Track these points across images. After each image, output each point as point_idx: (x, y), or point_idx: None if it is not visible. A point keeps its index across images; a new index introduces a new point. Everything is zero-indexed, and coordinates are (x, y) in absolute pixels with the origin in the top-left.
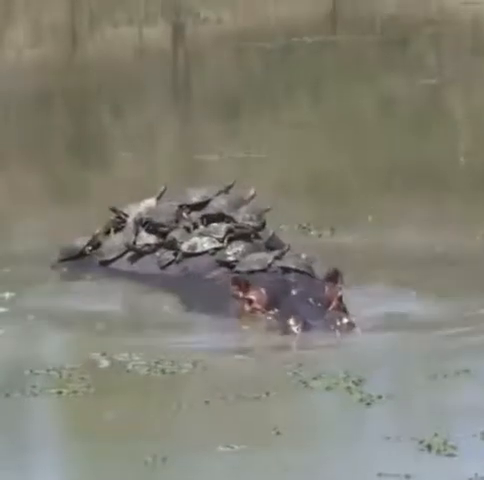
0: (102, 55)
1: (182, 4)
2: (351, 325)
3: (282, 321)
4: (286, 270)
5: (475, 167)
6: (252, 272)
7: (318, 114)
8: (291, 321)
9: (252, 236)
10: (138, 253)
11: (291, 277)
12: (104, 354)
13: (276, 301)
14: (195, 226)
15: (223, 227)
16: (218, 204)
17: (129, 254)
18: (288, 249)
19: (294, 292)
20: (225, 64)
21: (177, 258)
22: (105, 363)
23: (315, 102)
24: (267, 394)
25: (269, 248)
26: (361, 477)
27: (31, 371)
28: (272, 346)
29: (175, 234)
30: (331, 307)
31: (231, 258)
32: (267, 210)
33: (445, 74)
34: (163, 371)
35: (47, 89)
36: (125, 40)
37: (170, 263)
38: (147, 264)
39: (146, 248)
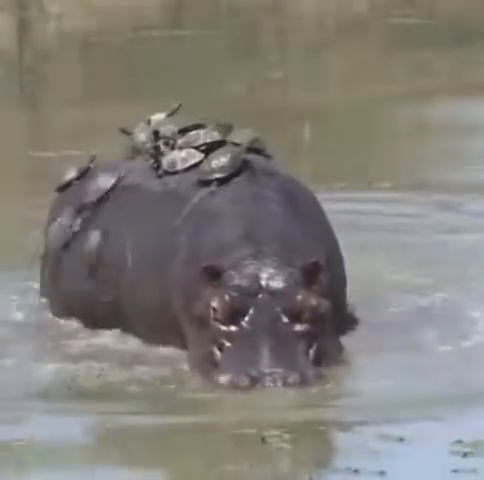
0: None
1: None
2: (317, 376)
3: (228, 378)
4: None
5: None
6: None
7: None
8: (237, 379)
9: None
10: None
11: (266, 267)
12: None
13: (240, 314)
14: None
15: (202, 133)
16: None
17: None
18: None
19: (261, 299)
20: (71, 59)
21: (159, 173)
22: None
23: (161, 96)
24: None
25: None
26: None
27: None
28: None
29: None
30: (299, 323)
31: (212, 175)
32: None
33: (289, 67)
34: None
35: None
36: None
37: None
38: None
39: None
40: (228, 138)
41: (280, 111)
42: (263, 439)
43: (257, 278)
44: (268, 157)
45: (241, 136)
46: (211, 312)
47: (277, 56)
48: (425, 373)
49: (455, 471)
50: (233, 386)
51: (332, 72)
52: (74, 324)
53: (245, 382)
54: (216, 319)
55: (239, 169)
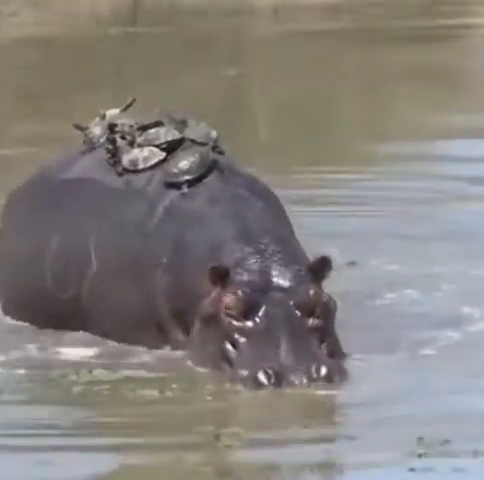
0: None
1: None
2: (342, 371)
3: (250, 373)
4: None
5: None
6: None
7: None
8: (261, 376)
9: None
10: None
11: (273, 264)
12: None
13: (254, 309)
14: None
15: (162, 131)
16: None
17: None
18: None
19: (273, 295)
20: (28, 59)
21: (119, 171)
22: None
23: (118, 96)
24: None
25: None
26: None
27: None
28: None
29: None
30: (312, 318)
31: (182, 177)
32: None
33: (245, 65)
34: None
35: None
36: None
37: None
38: None
39: None
40: (185, 134)
41: (237, 107)
42: (217, 437)
43: (267, 275)
44: (221, 154)
45: (198, 132)
46: (222, 308)
47: (233, 53)
48: (399, 370)
49: (412, 470)
50: (254, 382)
51: (289, 67)
52: (27, 323)
53: (267, 378)
54: (228, 315)
55: (208, 169)
